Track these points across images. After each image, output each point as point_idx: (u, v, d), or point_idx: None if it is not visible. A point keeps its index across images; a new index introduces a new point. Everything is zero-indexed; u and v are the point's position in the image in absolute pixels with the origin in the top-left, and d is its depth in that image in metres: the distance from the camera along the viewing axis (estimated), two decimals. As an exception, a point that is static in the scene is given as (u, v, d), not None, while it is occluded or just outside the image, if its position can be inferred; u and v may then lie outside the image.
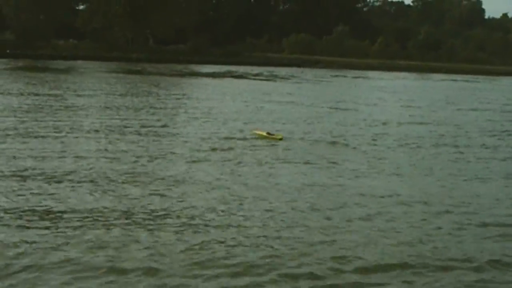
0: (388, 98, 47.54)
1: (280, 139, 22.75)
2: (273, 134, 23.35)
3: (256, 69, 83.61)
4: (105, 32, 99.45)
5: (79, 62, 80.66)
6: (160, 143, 21.35)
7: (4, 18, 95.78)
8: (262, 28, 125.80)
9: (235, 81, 61.17)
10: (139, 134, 23.07)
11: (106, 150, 19.55)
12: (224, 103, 36.65)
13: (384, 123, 30.51)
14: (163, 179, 16.00)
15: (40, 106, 30.66)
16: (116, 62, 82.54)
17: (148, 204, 13.66)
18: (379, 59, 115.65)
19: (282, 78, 69.25)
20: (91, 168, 16.76)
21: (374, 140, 24.64)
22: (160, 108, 32.42)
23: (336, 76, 79.07)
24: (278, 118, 30.48)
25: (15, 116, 26.25)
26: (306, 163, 19.13)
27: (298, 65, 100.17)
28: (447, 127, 30.61)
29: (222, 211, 13.38)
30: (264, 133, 23.41)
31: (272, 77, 69.35)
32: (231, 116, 30.22)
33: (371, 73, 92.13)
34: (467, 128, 30.37)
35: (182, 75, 65.56)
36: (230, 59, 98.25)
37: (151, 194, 14.45)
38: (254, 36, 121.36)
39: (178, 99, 38.16)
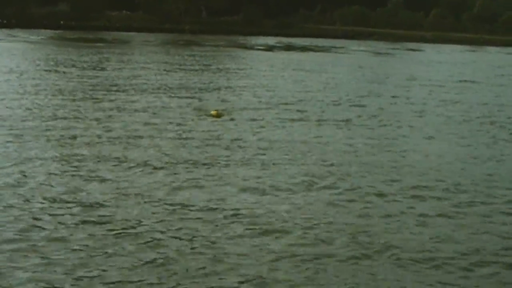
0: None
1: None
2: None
3: (309, 41, 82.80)
4: (158, 3, 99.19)
5: (133, 33, 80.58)
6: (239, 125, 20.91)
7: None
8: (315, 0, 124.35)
9: (291, 53, 60.59)
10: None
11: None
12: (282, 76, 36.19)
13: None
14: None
15: (100, 81, 30.49)
16: (169, 34, 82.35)
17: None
18: (433, 31, 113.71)
19: (335, 50, 68.46)
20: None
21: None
22: (219, 85, 31.97)
23: (393, 49, 77.92)
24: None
25: (68, 94, 25.67)
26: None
27: (352, 37, 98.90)
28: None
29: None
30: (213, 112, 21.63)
31: (326, 50, 68.64)
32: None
33: (427, 46, 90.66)
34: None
35: (236, 47, 65.02)
36: (283, 30, 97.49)
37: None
38: (307, 8, 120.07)
39: (236, 73, 37.74)
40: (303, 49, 68.56)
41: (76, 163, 14.25)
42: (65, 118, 19.61)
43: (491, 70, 50.73)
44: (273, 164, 15.06)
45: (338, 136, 18.89)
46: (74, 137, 16.88)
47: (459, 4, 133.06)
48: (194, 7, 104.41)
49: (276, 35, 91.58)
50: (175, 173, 13.87)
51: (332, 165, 15.22)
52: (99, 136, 17.11)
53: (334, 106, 24.99)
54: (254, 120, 20.95)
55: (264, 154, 15.96)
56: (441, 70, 48.33)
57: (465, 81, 39.81)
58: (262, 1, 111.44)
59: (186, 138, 17.39)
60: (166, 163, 14.68)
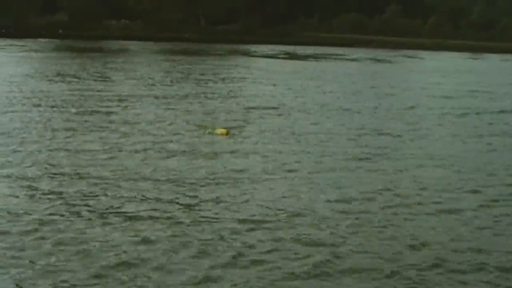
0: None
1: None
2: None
3: (309, 49, 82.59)
4: (157, 13, 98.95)
5: (131, 42, 79.89)
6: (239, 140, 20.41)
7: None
8: (313, 8, 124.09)
9: (293, 62, 60.25)
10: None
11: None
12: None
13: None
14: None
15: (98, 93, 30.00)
16: (169, 43, 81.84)
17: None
18: (432, 39, 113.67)
19: (337, 57, 68.22)
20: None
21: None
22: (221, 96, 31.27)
23: (394, 56, 77.76)
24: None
25: (70, 106, 24.55)
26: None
27: (351, 45, 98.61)
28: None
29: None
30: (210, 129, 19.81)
31: (327, 57, 68.44)
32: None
33: (426, 53, 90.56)
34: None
35: (236, 55, 64.68)
36: (282, 39, 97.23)
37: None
38: (306, 16, 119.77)
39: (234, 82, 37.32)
40: (305, 57, 68.23)
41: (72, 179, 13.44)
42: (61, 130, 18.80)
43: (498, 78, 50.34)
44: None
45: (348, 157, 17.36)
46: (73, 150, 16.08)
47: (456, 12, 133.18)
48: (192, 16, 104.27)
49: (276, 43, 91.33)
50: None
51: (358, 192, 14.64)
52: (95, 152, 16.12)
53: (347, 118, 24.46)
54: (263, 137, 19.37)
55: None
56: (446, 77, 47.94)
57: (476, 90, 39.10)
58: (260, 10, 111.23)
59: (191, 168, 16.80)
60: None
